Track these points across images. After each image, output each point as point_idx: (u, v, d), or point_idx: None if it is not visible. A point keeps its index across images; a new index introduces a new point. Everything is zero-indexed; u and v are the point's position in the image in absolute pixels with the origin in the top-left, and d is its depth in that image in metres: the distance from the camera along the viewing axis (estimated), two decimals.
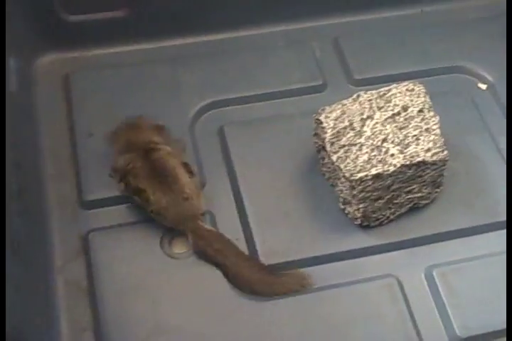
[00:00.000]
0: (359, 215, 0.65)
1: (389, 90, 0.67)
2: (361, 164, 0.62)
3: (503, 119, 0.77)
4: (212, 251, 0.63)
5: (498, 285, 0.63)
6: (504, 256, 0.66)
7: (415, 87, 0.67)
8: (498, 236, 0.68)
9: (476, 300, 0.63)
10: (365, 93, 0.67)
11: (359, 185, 0.62)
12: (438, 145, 0.64)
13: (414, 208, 0.68)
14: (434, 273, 0.64)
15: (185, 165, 0.65)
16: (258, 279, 0.63)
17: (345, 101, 0.66)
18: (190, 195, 0.63)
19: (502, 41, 0.82)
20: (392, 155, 0.63)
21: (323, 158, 0.68)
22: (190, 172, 0.65)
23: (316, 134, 0.67)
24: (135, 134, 0.66)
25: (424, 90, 0.67)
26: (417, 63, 0.80)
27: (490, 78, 0.79)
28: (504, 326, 0.60)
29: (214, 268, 0.63)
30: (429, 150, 0.64)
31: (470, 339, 0.61)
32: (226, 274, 0.63)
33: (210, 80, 0.76)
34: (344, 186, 0.64)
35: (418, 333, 0.62)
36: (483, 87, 0.80)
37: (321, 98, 0.76)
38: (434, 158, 0.63)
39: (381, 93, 0.67)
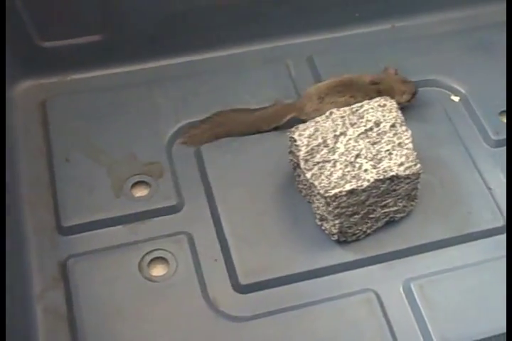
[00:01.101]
0: (335, 231, 0.66)
1: (361, 106, 0.68)
2: (335, 180, 0.63)
3: (476, 131, 0.78)
4: None
5: (474, 296, 0.64)
6: (479, 267, 0.67)
7: (387, 103, 0.68)
8: (473, 247, 0.68)
9: (453, 311, 0.63)
10: (338, 110, 0.67)
11: (334, 201, 0.63)
12: (410, 159, 0.65)
13: (391, 222, 0.69)
14: (412, 286, 0.65)
15: None
16: None
17: (318, 119, 0.67)
18: None
19: (473, 54, 0.84)
20: (366, 170, 0.64)
21: (299, 175, 0.68)
22: None
23: (291, 152, 0.68)
24: None
25: (395, 105, 0.68)
26: None
27: (462, 90, 0.80)
28: (482, 336, 0.61)
29: (194, 289, 0.64)
30: (402, 164, 0.64)
31: None
32: None
33: (187, 102, 0.77)
34: (320, 202, 0.65)
35: None
36: (456, 99, 0.81)
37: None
38: (407, 172, 0.64)
39: (353, 109, 0.68)
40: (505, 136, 0.77)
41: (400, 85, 0.76)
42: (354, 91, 0.74)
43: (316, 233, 0.68)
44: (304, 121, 0.69)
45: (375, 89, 0.74)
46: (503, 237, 0.70)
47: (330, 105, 0.72)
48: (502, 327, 0.63)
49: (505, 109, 0.79)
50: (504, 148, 0.77)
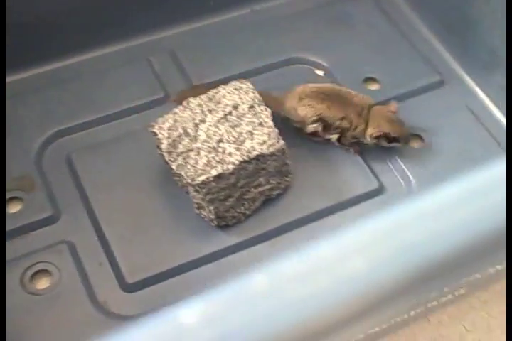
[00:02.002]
0: (213, 217, 0.66)
1: (217, 92, 0.69)
2: (201, 167, 0.64)
3: None
4: None
5: None
6: None
7: (242, 85, 0.69)
8: (353, 212, 0.70)
9: None
10: (195, 99, 0.68)
11: (203, 188, 0.63)
12: (272, 136, 0.66)
13: (268, 200, 0.70)
14: None
15: None
16: None
17: (176, 110, 0.67)
18: None
19: (332, 28, 0.86)
20: (230, 153, 0.65)
21: (172, 168, 0.69)
22: None
23: (157, 146, 0.68)
24: None
25: (251, 86, 0.69)
26: (254, 61, 0.82)
27: (325, 64, 0.82)
28: None
29: (81, 296, 0.63)
30: (264, 142, 0.66)
31: None
32: None
33: (51, 111, 0.76)
34: (193, 191, 0.66)
35: None
36: (321, 73, 0.83)
37: (164, 109, 0.75)
38: (271, 149, 0.65)
39: (210, 96, 0.68)
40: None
41: (386, 124, 0.71)
42: (337, 104, 0.71)
43: (197, 222, 0.68)
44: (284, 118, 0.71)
45: (363, 116, 0.71)
46: (380, 198, 0.72)
47: (305, 107, 0.71)
48: None
49: (368, 76, 0.82)
50: None
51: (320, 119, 0.71)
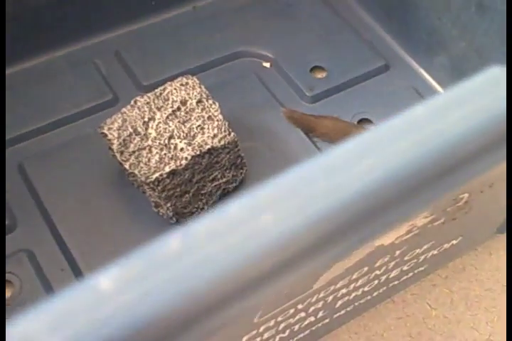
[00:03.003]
0: (171, 214, 0.66)
1: (164, 89, 0.69)
2: (154, 165, 0.64)
3: (292, 91, 0.80)
4: None
5: None
6: None
7: (189, 81, 0.69)
8: None
9: None
10: (142, 97, 0.68)
11: (158, 185, 0.64)
12: (223, 129, 0.66)
13: (225, 194, 0.70)
14: None
15: None
16: None
17: (124, 109, 0.67)
18: None
19: (275, 19, 0.87)
20: (182, 149, 0.65)
21: (125, 168, 0.68)
22: None
23: (109, 147, 0.68)
24: None
25: (197, 81, 0.69)
26: (201, 57, 0.82)
27: (271, 55, 0.83)
28: None
29: None
30: (215, 136, 0.66)
31: None
32: None
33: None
34: (149, 190, 0.66)
35: None
36: (267, 65, 0.83)
37: (115, 111, 0.74)
38: (222, 142, 0.66)
39: (157, 93, 0.68)
40: (319, 92, 0.80)
41: None
42: None
43: (156, 221, 0.68)
44: None
45: None
46: None
47: None
48: None
49: (316, 64, 0.83)
50: (322, 102, 0.80)
51: None
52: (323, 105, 0.80)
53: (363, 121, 0.78)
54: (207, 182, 0.67)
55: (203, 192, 0.68)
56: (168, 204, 0.65)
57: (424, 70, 0.82)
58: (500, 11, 0.69)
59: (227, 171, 0.69)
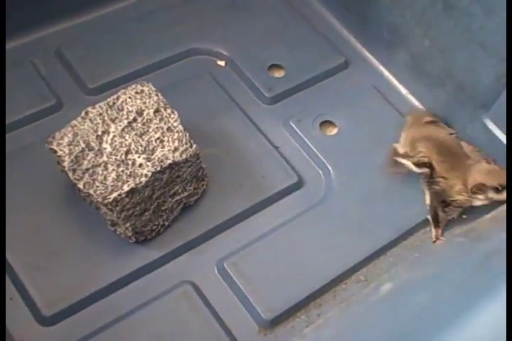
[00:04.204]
0: (130, 234, 0.62)
1: (117, 98, 0.63)
2: (111, 183, 0.59)
3: (249, 92, 0.76)
4: None
5: (288, 258, 0.64)
6: (286, 227, 0.67)
7: (144, 88, 0.64)
8: (275, 209, 0.68)
9: (271, 279, 0.63)
10: (94, 108, 0.62)
11: (116, 206, 0.59)
12: (184, 141, 0.62)
13: (187, 207, 0.66)
14: (226, 266, 0.63)
15: None
16: None
17: (74, 122, 0.61)
18: None
19: (228, 14, 0.81)
20: (141, 165, 0.60)
21: (78, 188, 0.63)
22: None
23: (58, 163, 0.62)
24: None
25: (154, 89, 0.64)
26: (149, 56, 0.76)
27: (226, 53, 0.78)
28: (306, 294, 0.62)
29: None
30: (176, 149, 0.61)
31: (276, 318, 0.62)
32: None
33: None
34: (106, 209, 0.61)
35: (228, 331, 0.61)
36: (222, 63, 0.78)
37: (60, 118, 0.70)
38: (184, 156, 0.61)
39: (110, 103, 0.63)
40: (278, 92, 0.76)
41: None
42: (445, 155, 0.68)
43: (113, 239, 0.63)
44: None
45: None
46: (301, 192, 0.70)
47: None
48: (320, 281, 0.64)
49: (273, 62, 0.78)
50: (281, 103, 0.77)
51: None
52: (283, 106, 0.76)
53: (326, 124, 0.75)
54: (167, 197, 0.63)
55: (163, 208, 0.63)
56: (128, 225, 0.60)
57: (384, 68, 0.80)
58: (467, 12, 0.67)
59: (189, 184, 0.64)
